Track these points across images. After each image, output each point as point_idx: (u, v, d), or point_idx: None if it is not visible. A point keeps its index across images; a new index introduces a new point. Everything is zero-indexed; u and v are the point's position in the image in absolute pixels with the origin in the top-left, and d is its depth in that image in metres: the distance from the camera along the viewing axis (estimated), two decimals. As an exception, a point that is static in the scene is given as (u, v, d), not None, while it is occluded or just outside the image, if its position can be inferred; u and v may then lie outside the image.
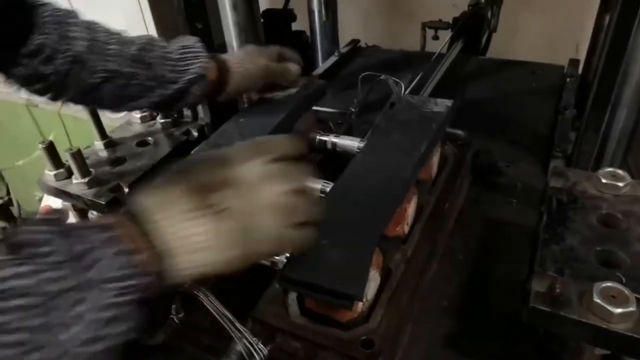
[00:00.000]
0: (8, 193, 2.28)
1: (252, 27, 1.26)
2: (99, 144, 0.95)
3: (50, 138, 0.93)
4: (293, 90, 0.92)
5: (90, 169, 0.86)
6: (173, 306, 0.70)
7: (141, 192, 0.49)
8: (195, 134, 0.98)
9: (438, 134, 0.82)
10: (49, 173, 0.87)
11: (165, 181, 0.50)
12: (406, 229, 0.76)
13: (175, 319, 0.70)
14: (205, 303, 0.59)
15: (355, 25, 1.99)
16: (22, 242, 0.41)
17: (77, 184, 0.85)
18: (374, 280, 0.66)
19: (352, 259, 0.59)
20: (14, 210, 2.24)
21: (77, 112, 1.66)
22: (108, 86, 0.78)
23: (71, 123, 1.88)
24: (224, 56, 0.89)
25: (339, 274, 0.58)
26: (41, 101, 0.82)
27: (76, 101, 0.82)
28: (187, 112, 1.06)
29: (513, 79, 1.42)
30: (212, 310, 0.61)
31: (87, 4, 1.57)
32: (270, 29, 1.47)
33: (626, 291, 0.51)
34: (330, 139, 0.91)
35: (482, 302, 0.77)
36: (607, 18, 1.20)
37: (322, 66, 1.59)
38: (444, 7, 1.69)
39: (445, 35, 1.52)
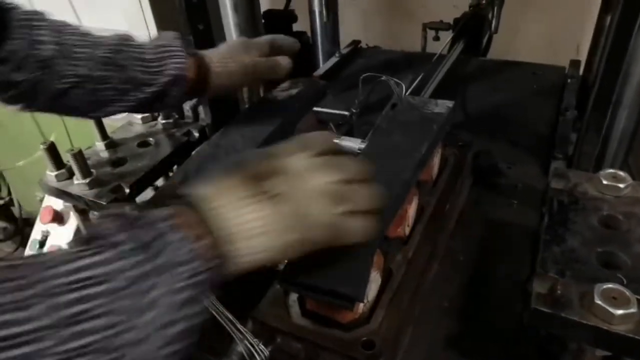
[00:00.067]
0: (9, 193, 2.28)
1: (253, 27, 1.26)
2: (100, 145, 0.96)
3: (52, 138, 0.93)
4: (294, 91, 0.93)
5: (92, 170, 0.86)
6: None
7: (196, 184, 0.50)
8: (197, 134, 0.98)
9: (439, 135, 0.82)
10: (50, 173, 0.88)
11: (218, 174, 0.51)
12: (407, 230, 0.76)
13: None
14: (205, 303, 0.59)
15: (356, 26, 1.99)
16: (91, 235, 0.42)
17: (78, 184, 0.85)
18: (374, 281, 0.66)
19: (353, 260, 0.59)
20: (15, 210, 2.25)
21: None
22: (78, 92, 0.74)
23: (72, 123, 1.88)
24: (206, 53, 0.84)
25: (339, 275, 0.58)
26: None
27: (45, 109, 0.78)
28: (188, 113, 1.06)
29: (514, 80, 1.42)
30: (212, 311, 0.61)
31: (88, 4, 1.58)
32: (271, 29, 1.47)
33: (627, 292, 0.51)
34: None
35: (483, 303, 0.77)
36: (608, 19, 1.20)
37: (322, 67, 1.59)
38: (445, 8, 1.69)
39: (446, 36, 1.52)
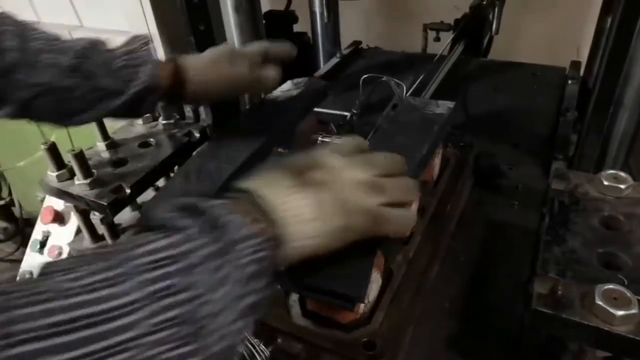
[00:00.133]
0: (10, 194, 2.29)
1: (254, 28, 1.27)
2: (101, 145, 0.96)
3: (52, 139, 0.93)
4: (295, 92, 0.93)
5: (93, 170, 0.86)
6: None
7: (244, 178, 0.53)
8: (197, 135, 0.98)
9: (440, 135, 0.82)
10: (51, 174, 0.88)
11: (267, 166, 0.55)
12: (408, 230, 0.76)
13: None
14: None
15: (356, 26, 1.99)
16: (157, 223, 0.45)
17: (79, 184, 0.85)
18: (375, 281, 0.66)
19: (354, 260, 0.59)
20: (16, 210, 2.25)
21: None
22: (43, 100, 0.70)
23: (73, 124, 1.88)
24: (185, 59, 0.80)
25: (340, 276, 0.58)
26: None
27: (14, 116, 0.74)
28: (189, 114, 1.06)
29: (514, 81, 1.42)
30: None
31: (89, 4, 1.58)
32: (271, 30, 1.47)
33: (628, 293, 0.51)
34: (332, 140, 0.91)
35: (484, 304, 0.77)
36: (609, 20, 1.20)
37: (323, 68, 1.59)
38: (446, 9, 1.69)
39: (447, 37, 1.52)
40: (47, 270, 0.39)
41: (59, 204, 1.46)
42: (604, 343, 0.53)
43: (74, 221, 1.45)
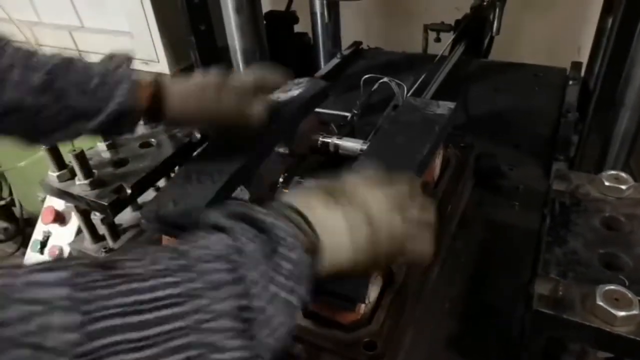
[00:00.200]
0: (10, 194, 2.28)
1: (255, 29, 1.27)
2: (101, 145, 0.96)
3: (53, 139, 0.93)
4: (296, 92, 0.92)
5: (93, 170, 0.87)
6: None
7: (279, 196, 0.57)
8: (198, 135, 0.98)
9: (440, 136, 0.82)
10: (52, 174, 0.88)
11: (297, 190, 0.58)
12: (408, 231, 0.76)
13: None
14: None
15: (357, 27, 1.99)
16: (212, 226, 0.48)
17: (79, 185, 0.85)
18: (376, 282, 0.66)
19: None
20: (16, 211, 2.25)
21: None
22: (11, 119, 0.66)
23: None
24: (170, 84, 0.74)
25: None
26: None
27: None
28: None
29: (515, 82, 1.42)
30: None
31: (90, 5, 1.58)
32: (272, 30, 1.47)
33: (629, 294, 0.51)
34: (333, 140, 0.91)
35: (484, 305, 0.77)
36: (610, 21, 1.20)
37: (324, 68, 1.59)
38: (446, 10, 1.69)
39: (448, 38, 1.52)
40: (116, 257, 0.42)
41: (59, 204, 1.46)
42: (605, 344, 0.53)
43: (74, 221, 1.45)
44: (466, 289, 0.80)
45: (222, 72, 0.79)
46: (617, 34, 0.92)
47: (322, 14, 1.56)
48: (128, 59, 0.73)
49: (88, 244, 0.94)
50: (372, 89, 1.06)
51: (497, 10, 1.51)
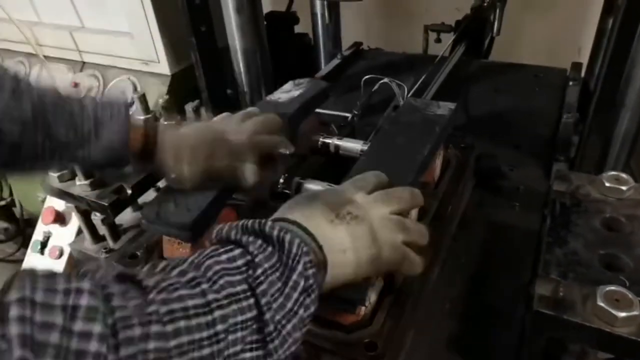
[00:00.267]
0: (11, 194, 2.28)
1: (255, 29, 1.27)
2: (102, 146, 0.96)
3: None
4: (297, 92, 0.92)
5: (94, 171, 0.87)
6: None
7: (282, 209, 0.58)
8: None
9: (441, 137, 0.82)
10: (52, 174, 0.88)
11: (298, 202, 0.58)
12: (409, 231, 0.76)
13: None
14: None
15: (357, 27, 1.99)
16: (223, 238, 0.50)
17: (80, 185, 0.85)
18: (376, 284, 0.66)
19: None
20: (17, 211, 2.24)
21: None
22: None
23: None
24: (163, 135, 0.70)
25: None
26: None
27: None
28: (190, 114, 1.06)
29: (516, 82, 1.42)
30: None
31: (90, 6, 1.58)
32: (273, 31, 1.47)
33: (630, 295, 0.51)
34: (334, 141, 0.91)
35: (485, 306, 0.77)
36: (610, 21, 1.20)
37: (324, 69, 1.59)
38: (447, 10, 1.70)
39: (448, 38, 1.52)
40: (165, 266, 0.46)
41: (60, 205, 1.46)
42: (605, 345, 0.53)
43: (74, 222, 1.45)
44: (466, 289, 0.80)
45: (218, 121, 0.77)
46: (617, 35, 0.92)
47: (322, 15, 1.57)
48: (127, 104, 0.70)
49: (88, 245, 0.93)
50: (373, 90, 1.06)
51: (498, 10, 1.51)
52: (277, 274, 0.47)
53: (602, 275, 0.57)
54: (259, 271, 0.46)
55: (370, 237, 0.56)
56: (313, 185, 0.80)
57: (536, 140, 1.16)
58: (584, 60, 1.40)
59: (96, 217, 0.90)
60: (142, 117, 0.73)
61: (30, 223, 2.12)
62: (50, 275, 0.38)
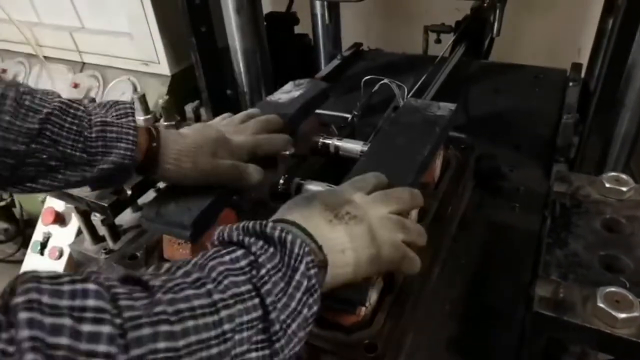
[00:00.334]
0: (11, 195, 2.28)
1: (255, 29, 1.27)
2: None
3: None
4: (297, 93, 0.92)
5: (94, 171, 0.86)
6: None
7: (281, 210, 0.58)
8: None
9: (441, 137, 0.82)
10: (52, 175, 0.87)
11: (296, 203, 0.58)
12: (409, 232, 0.76)
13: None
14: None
15: (357, 28, 1.99)
16: (227, 240, 0.50)
17: (80, 186, 0.85)
18: (376, 284, 0.66)
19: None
20: (16, 211, 2.24)
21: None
22: None
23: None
24: (166, 139, 0.69)
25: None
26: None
27: None
28: (190, 115, 1.06)
29: (515, 83, 1.42)
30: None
31: (90, 7, 1.59)
32: (272, 32, 1.47)
33: (630, 296, 0.51)
34: (333, 142, 0.91)
35: (485, 307, 0.77)
36: (610, 22, 1.20)
37: (324, 69, 1.59)
38: (447, 11, 1.69)
39: (448, 39, 1.52)
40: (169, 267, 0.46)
41: (59, 205, 1.46)
42: (606, 346, 0.53)
43: (74, 222, 1.45)
44: (466, 290, 0.80)
45: (218, 122, 0.78)
46: (617, 35, 0.92)
47: (322, 15, 1.57)
48: (131, 109, 0.69)
49: (88, 245, 0.93)
50: (373, 90, 1.06)
51: (498, 11, 1.51)
52: (280, 274, 0.47)
53: (603, 277, 0.57)
54: (263, 271, 0.46)
55: (369, 237, 0.56)
56: (313, 186, 0.80)
57: (536, 141, 1.16)
58: (584, 60, 1.40)
59: (96, 218, 0.90)
60: (144, 125, 0.71)
61: (30, 223, 2.12)
62: (54, 276, 0.38)
